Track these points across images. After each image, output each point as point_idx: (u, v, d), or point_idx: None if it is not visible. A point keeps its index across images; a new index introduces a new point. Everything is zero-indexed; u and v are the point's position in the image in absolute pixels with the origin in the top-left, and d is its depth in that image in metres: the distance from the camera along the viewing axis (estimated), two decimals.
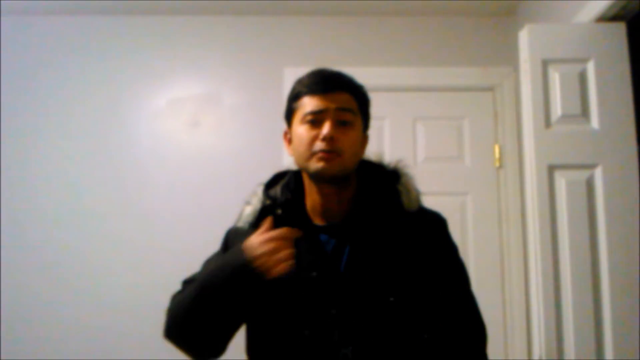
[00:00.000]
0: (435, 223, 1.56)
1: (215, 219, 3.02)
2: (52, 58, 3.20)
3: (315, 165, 1.42)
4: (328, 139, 1.41)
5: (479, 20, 3.21)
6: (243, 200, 1.62)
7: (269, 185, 1.59)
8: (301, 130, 1.46)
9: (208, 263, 1.63)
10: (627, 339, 2.10)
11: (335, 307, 1.39)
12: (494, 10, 3.16)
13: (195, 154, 3.12)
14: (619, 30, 2.26)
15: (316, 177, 1.46)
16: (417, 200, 1.54)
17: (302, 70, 3.19)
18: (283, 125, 3.27)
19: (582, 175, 2.21)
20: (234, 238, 1.57)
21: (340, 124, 1.44)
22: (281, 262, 1.32)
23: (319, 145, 1.42)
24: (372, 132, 3.22)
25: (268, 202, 1.53)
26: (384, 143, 3.12)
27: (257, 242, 1.34)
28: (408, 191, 1.53)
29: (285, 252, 1.33)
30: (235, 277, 1.35)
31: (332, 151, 1.41)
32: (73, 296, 3.00)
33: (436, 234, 1.54)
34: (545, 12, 2.76)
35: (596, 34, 2.27)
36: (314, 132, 1.43)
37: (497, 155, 3.12)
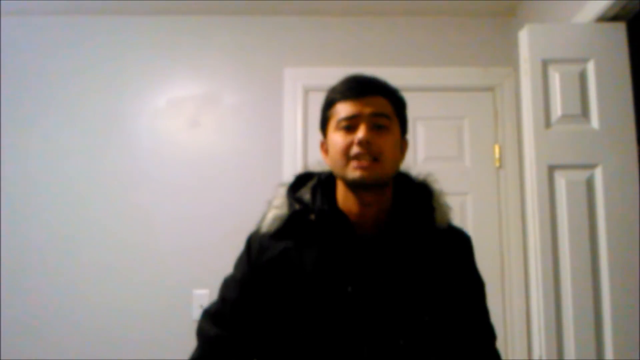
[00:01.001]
0: (463, 241, 1.56)
1: (215, 219, 3.05)
2: (52, 58, 3.20)
3: (353, 174, 1.38)
4: (364, 143, 1.37)
5: (479, 20, 3.21)
6: (266, 201, 1.56)
7: (293, 187, 1.54)
8: (336, 137, 1.42)
9: (226, 283, 1.59)
10: (627, 338, 2.10)
11: (368, 322, 1.36)
12: (494, 10, 3.16)
13: (195, 154, 3.12)
14: (619, 30, 2.26)
15: (354, 184, 1.41)
16: (448, 217, 1.53)
17: (302, 70, 3.20)
18: (282, 124, 3.27)
19: (582, 175, 2.22)
20: (258, 246, 1.50)
21: (375, 128, 1.40)
22: None
23: (355, 150, 1.38)
24: None
25: (297, 206, 1.47)
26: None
27: None
28: (441, 208, 1.51)
29: None
30: None
31: (369, 156, 1.37)
32: (72, 296, 3.00)
33: (463, 252, 1.54)
34: (545, 12, 2.76)
35: (596, 34, 2.27)
36: (349, 138, 1.39)
37: (497, 155, 3.12)
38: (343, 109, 1.43)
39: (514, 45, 2.77)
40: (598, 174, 2.20)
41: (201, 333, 1.55)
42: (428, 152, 3.12)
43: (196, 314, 2.92)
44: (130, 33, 3.22)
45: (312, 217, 1.44)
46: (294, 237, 1.45)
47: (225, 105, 3.17)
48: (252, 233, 1.56)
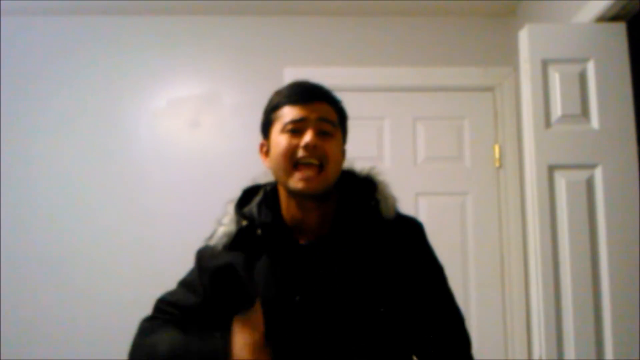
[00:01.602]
0: (413, 228, 1.53)
1: (215, 219, 3.04)
2: (52, 58, 3.20)
3: (295, 184, 1.38)
4: (311, 147, 1.37)
5: (479, 20, 3.22)
6: (215, 220, 1.56)
7: (240, 203, 1.53)
8: (280, 139, 1.42)
9: (185, 286, 1.58)
10: (627, 338, 2.11)
11: (321, 329, 1.34)
12: (494, 10, 3.16)
13: (195, 154, 3.13)
14: (619, 30, 2.26)
15: (297, 194, 1.41)
16: (394, 207, 1.50)
17: (302, 70, 3.21)
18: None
19: (582, 175, 2.22)
20: (209, 258, 1.49)
21: (321, 134, 1.40)
22: None
23: (300, 153, 1.37)
24: (372, 132, 3.23)
25: (244, 222, 1.47)
26: (383, 143, 3.12)
27: (247, 346, 1.29)
28: (385, 199, 1.49)
29: None
30: None
31: (314, 160, 1.37)
32: (73, 296, 3.00)
33: (414, 239, 1.52)
34: (545, 12, 2.77)
35: (596, 34, 2.27)
36: (294, 142, 1.39)
37: (497, 155, 3.12)
38: (290, 113, 1.42)
39: (514, 45, 2.77)
40: (598, 174, 2.21)
41: (155, 305, 1.59)
42: (428, 152, 3.13)
43: None
44: (130, 33, 3.22)
45: (259, 231, 1.44)
46: (243, 252, 1.44)
47: (226, 105, 3.18)
48: (202, 248, 1.56)
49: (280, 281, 1.38)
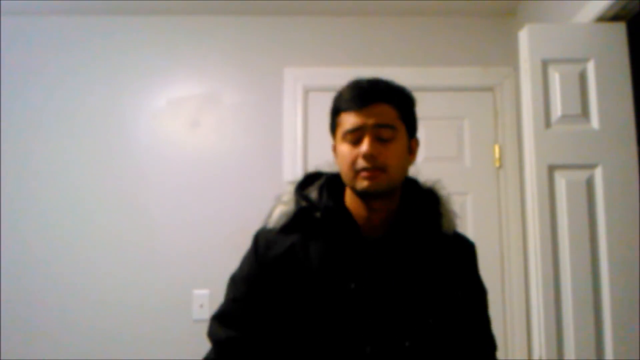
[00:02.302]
0: (468, 248, 1.57)
1: (215, 219, 3.05)
2: (51, 58, 3.20)
3: (361, 184, 1.38)
4: (369, 157, 1.36)
5: (479, 20, 3.22)
6: (275, 197, 1.57)
7: (301, 185, 1.54)
8: (343, 148, 1.42)
9: (234, 281, 1.57)
10: (627, 338, 2.10)
11: (370, 320, 1.37)
12: (494, 10, 3.16)
13: (195, 154, 3.12)
14: (619, 30, 2.26)
15: (363, 194, 1.41)
16: (455, 223, 1.53)
17: (302, 70, 3.21)
18: (282, 124, 3.28)
19: (582, 175, 2.22)
20: (265, 243, 1.50)
21: (379, 141, 1.39)
22: None
23: (360, 163, 1.38)
24: None
25: (304, 203, 1.48)
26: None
27: None
28: (448, 214, 1.51)
29: None
30: None
31: (375, 169, 1.37)
32: (72, 295, 3.00)
33: (468, 259, 1.56)
34: (545, 12, 2.77)
35: (596, 34, 2.27)
36: (355, 151, 1.39)
37: (497, 155, 3.12)
38: (347, 121, 1.41)
39: (514, 45, 2.77)
40: (598, 174, 2.20)
41: (212, 336, 1.53)
42: (428, 152, 3.12)
43: (196, 314, 2.92)
44: (130, 33, 3.22)
45: (318, 214, 1.45)
46: (300, 233, 1.46)
47: (226, 105, 3.17)
48: (259, 230, 1.55)
49: (337, 267, 1.40)
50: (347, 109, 1.42)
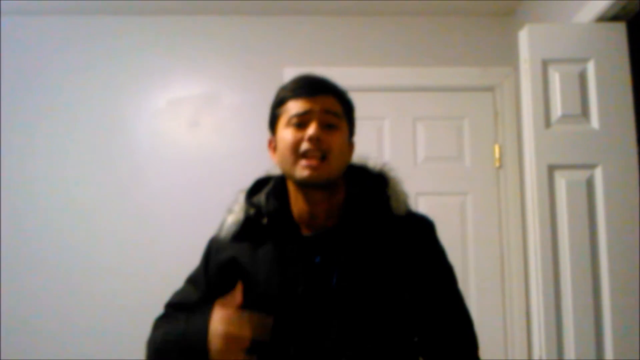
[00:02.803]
0: (424, 226, 1.54)
1: (214, 219, 3.03)
2: (51, 58, 3.21)
3: (301, 173, 1.38)
4: (314, 140, 1.37)
5: (479, 20, 3.22)
6: (225, 208, 1.57)
7: (251, 192, 1.55)
8: (286, 133, 1.42)
9: (190, 282, 1.62)
10: (627, 338, 2.11)
11: (325, 322, 1.35)
12: (494, 10, 3.17)
13: (194, 154, 3.13)
14: (619, 30, 2.26)
15: (302, 184, 1.42)
16: (405, 203, 1.51)
17: (301, 70, 3.20)
18: None
19: (582, 175, 2.22)
20: (216, 251, 1.53)
21: (326, 127, 1.41)
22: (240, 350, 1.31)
23: (304, 146, 1.38)
24: (372, 131, 3.23)
25: (252, 210, 1.49)
26: (383, 143, 3.13)
27: (221, 332, 1.31)
28: (397, 195, 1.50)
29: (239, 356, 1.31)
30: (190, 354, 1.36)
31: (318, 152, 1.38)
32: (72, 295, 3.01)
33: (424, 237, 1.52)
34: (545, 12, 2.77)
35: (596, 34, 2.28)
36: (299, 134, 1.40)
37: (497, 155, 3.12)
38: (294, 106, 1.43)
39: (513, 45, 2.77)
40: (598, 174, 2.21)
41: (152, 328, 1.61)
42: (428, 152, 3.13)
43: None
44: (129, 33, 3.23)
45: (264, 220, 1.46)
46: (250, 240, 1.46)
47: (225, 105, 3.18)
48: (212, 238, 1.59)
49: (283, 272, 1.39)
50: (295, 97, 1.44)
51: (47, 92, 3.17)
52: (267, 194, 1.50)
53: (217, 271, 1.49)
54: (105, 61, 3.20)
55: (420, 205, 3.04)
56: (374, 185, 1.49)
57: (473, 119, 3.17)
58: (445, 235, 3.10)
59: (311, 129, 1.38)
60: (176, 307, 1.58)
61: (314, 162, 1.37)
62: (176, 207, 3.07)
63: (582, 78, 2.27)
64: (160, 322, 1.59)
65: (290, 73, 3.10)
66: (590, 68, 2.26)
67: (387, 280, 1.40)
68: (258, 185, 1.57)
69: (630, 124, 2.23)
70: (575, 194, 2.21)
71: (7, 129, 3.13)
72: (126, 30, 3.23)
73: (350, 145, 1.51)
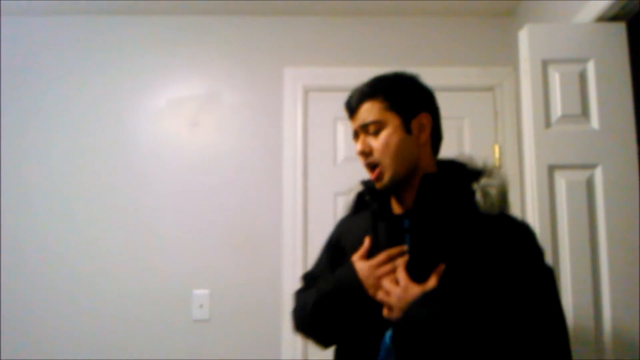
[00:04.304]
0: (517, 230, 1.49)
1: (215, 218, 3.05)
2: (51, 58, 3.21)
3: (376, 184, 1.57)
4: (362, 154, 1.55)
5: (479, 20, 3.23)
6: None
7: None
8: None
9: (321, 253, 1.78)
10: (626, 338, 2.10)
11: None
12: (494, 10, 3.17)
13: (195, 154, 3.13)
14: (619, 30, 2.26)
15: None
16: (498, 202, 1.49)
17: (301, 70, 3.20)
18: (282, 124, 3.28)
19: (582, 175, 2.22)
20: (339, 226, 1.76)
21: (371, 134, 1.53)
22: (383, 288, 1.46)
23: (362, 161, 1.57)
24: None
25: (361, 190, 1.67)
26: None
27: (367, 268, 1.49)
28: (485, 191, 1.48)
29: (388, 280, 1.46)
30: (349, 296, 1.50)
31: (369, 165, 1.55)
32: (72, 296, 3.01)
33: (514, 239, 1.45)
34: (545, 12, 2.77)
35: (596, 34, 2.27)
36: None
37: (497, 155, 3.12)
38: (351, 125, 1.61)
39: (513, 45, 2.78)
40: (598, 174, 2.21)
41: (294, 298, 1.74)
42: None
43: (196, 314, 2.93)
44: (129, 33, 3.23)
45: (367, 198, 1.63)
46: (360, 213, 1.68)
47: (225, 105, 3.18)
48: (342, 217, 1.78)
49: (374, 244, 1.55)
50: (349, 115, 1.61)
51: (46, 92, 3.18)
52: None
53: (334, 243, 1.73)
54: (106, 61, 3.20)
55: None
56: (457, 178, 1.54)
57: (473, 118, 3.17)
58: None
59: (358, 147, 1.56)
60: (310, 277, 1.74)
61: (372, 176, 1.55)
62: (176, 206, 3.08)
63: (582, 78, 2.26)
64: (301, 292, 1.73)
65: (290, 73, 3.12)
66: (590, 68, 2.26)
67: (450, 264, 1.42)
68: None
69: (631, 124, 2.23)
70: (575, 194, 2.20)
71: (6, 130, 3.13)
72: (126, 30, 3.23)
73: (415, 123, 1.58)
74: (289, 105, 3.13)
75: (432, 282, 1.40)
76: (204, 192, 3.07)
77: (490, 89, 3.18)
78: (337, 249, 1.68)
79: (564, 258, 2.17)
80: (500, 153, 3.11)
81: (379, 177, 1.52)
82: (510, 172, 3.08)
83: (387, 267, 1.47)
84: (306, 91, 3.11)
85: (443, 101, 3.18)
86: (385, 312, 1.43)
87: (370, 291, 1.47)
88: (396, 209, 1.59)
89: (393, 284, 1.43)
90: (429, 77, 3.14)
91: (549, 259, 2.16)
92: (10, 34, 3.20)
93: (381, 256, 1.49)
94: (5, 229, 3.06)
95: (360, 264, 1.50)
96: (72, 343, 2.96)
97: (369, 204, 1.63)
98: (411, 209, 1.53)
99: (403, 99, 1.57)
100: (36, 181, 3.10)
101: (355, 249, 1.56)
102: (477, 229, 1.45)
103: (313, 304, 1.55)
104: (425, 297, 1.36)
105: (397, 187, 1.55)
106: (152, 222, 3.08)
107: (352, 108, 1.58)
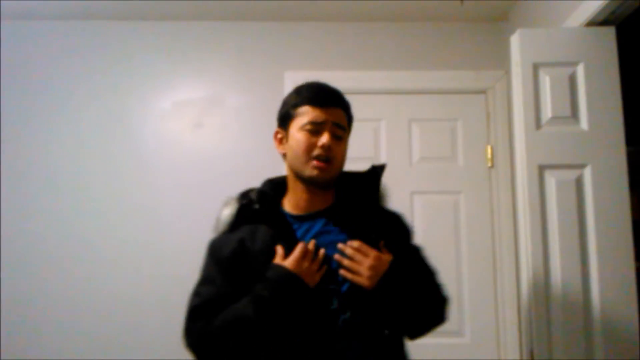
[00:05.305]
0: (402, 218, 1.81)
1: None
2: (56, 62, 3.22)
3: (311, 172, 1.64)
4: (326, 148, 1.62)
5: (472, 25, 3.26)
6: (217, 211, 1.78)
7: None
8: (300, 136, 1.66)
9: (205, 283, 1.72)
10: (616, 336, 2.13)
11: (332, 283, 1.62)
12: (487, 15, 3.20)
13: (198, 155, 3.15)
14: (609, 34, 2.29)
15: (309, 181, 1.67)
16: (384, 198, 1.80)
17: (301, 74, 3.26)
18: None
19: (572, 174, 2.25)
20: (219, 248, 1.72)
21: (334, 138, 1.65)
22: (316, 272, 1.59)
23: (317, 151, 1.63)
24: (369, 132, 3.27)
25: (244, 202, 1.71)
26: (380, 144, 3.16)
27: (294, 260, 1.57)
28: (383, 190, 1.79)
29: (316, 265, 1.59)
30: (295, 291, 1.55)
31: (327, 159, 1.63)
32: (73, 294, 3.02)
33: (403, 224, 1.80)
34: (537, 16, 2.80)
35: (586, 38, 2.30)
36: (313, 140, 1.64)
37: (489, 155, 3.16)
38: (311, 114, 1.66)
39: (505, 49, 2.80)
40: (587, 174, 2.23)
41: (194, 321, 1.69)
42: (422, 152, 3.16)
43: None
44: (134, 38, 3.25)
45: (256, 206, 1.69)
46: (246, 226, 1.69)
47: (228, 107, 3.21)
48: (211, 241, 1.77)
49: (276, 245, 1.63)
50: (312, 104, 1.67)
51: (53, 96, 3.19)
52: (259, 190, 1.76)
53: (229, 260, 1.66)
54: (111, 65, 3.22)
55: (415, 203, 3.09)
56: (364, 179, 1.77)
57: (466, 120, 3.21)
58: (439, 233, 3.18)
59: (324, 138, 1.63)
60: (211, 302, 1.65)
61: (322, 165, 1.63)
62: (181, 206, 3.10)
63: (572, 81, 2.29)
64: (207, 318, 1.64)
65: (290, 77, 3.17)
66: (580, 71, 2.28)
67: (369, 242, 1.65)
68: (242, 195, 1.78)
69: (619, 125, 2.26)
70: (565, 193, 2.23)
71: (11, 133, 3.14)
72: (131, 34, 3.25)
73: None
74: None
75: (385, 253, 1.64)
76: (208, 192, 3.04)
77: (482, 91, 3.23)
78: (234, 263, 1.65)
79: (554, 256, 2.20)
80: (493, 153, 3.16)
81: (327, 170, 1.64)
82: (502, 172, 3.13)
83: (309, 256, 1.60)
84: None
85: (437, 104, 3.27)
86: (358, 280, 1.59)
87: (307, 280, 1.57)
88: (291, 209, 1.73)
89: (361, 256, 1.60)
90: (424, 80, 3.23)
91: (539, 256, 2.21)
92: (15, 38, 3.20)
93: (297, 250, 1.58)
94: (5, 229, 3.07)
95: (288, 263, 1.57)
96: (72, 343, 2.97)
97: (257, 213, 1.69)
98: (328, 207, 1.72)
99: (352, 122, 1.77)
100: (41, 182, 3.11)
101: (265, 255, 1.62)
102: (382, 218, 1.74)
103: (256, 311, 1.54)
104: (395, 264, 1.62)
105: (315, 186, 1.68)
106: (155, 222, 3.09)
107: (329, 101, 1.68)
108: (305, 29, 3.26)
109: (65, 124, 3.17)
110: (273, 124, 3.12)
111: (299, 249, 1.58)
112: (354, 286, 1.59)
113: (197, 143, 3.18)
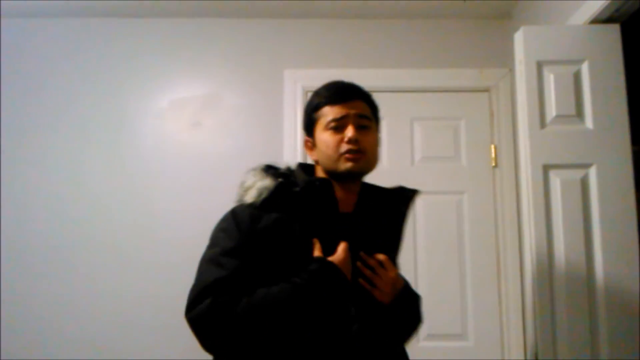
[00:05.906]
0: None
1: (216, 217, 3.06)
2: (54, 60, 3.22)
3: (344, 165, 1.61)
4: (353, 141, 1.60)
5: (476, 22, 3.25)
6: (239, 184, 1.71)
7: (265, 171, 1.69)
8: (326, 136, 1.63)
9: (226, 255, 1.56)
10: (622, 336, 2.11)
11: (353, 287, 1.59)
12: (490, 13, 3.19)
13: (197, 153, 3.15)
14: (613, 32, 2.28)
15: (345, 175, 1.63)
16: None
17: (301, 72, 3.24)
18: (282, 125, 3.30)
19: (577, 174, 2.23)
20: (248, 217, 1.58)
21: (360, 128, 1.63)
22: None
23: (344, 147, 1.60)
24: None
25: (280, 180, 1.61)
26: (382, 143, 3.14)
27: (344, 258, 1.55)
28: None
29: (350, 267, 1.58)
30: (336, 287, 1.52)
31: (357, 151, 1.60)
32: (73, 294, 3.02)
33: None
34: (541, 14, 2.79)
35: (590, 36, 2.28)
36: (338, 137, 1.61)
37: (493, 155, 3.15)
38: (331, 112, 1.64)
39: (509, 47, 2.79)
40: (592, 173, 2.22)
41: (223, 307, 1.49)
42: (425, 152, 3.15)
43: None
44: (133, 35, 3.25)
45: (297, 189, 1.60)
46: (281, 209, 1.58)
47: (227, 106, 3.20)
48: (236, 207, 1.66)
49: (323, 243, 1.57)
50: (330, 103, 1.65)
51: (52, 94, 3.19)
52: (289, 170, 1.70)
53: (260, 236, 1.54)
54: (109, 63, 3.22)
55: (418, 203, 3.06)
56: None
57: (469, 119, 3.20)
58: (442, 233, 3.16)
59: (349, 132, 1.61)
60: (233, 280, 1.50)
61: (355, 155, 1.60)
62: (179, 205, 3.09)
63: (577, 79, 2.27)
64: (227, 295, 1.47)
65: (290, 75, 3.15)
66: (585, 69, 2.27)
67: (395, 247, 1.73)
68: (267, 169, 1.70)
69: (624, 124, 2.24)
70: (569, 193, 2.21)
71: (10, 132, 3.15)
72: (129, 32, 3.25)
73: (378, 141, 1.74)
74: (289, 106, 3.16)
75: (394, 270, 1.66)
76: (206, 191, 3.06)
77: (486, 90, 3.21)
78: (264, 241, 1.54)
79: (559, 256, 2.18)
80: (496, 153, 3.14)
81: (360, 161, 1.62)
82: (506, 172, 3.11)
83: (348, 259, 1.57)
84: (306, 92, 3.12)
85: (440, 102, 3.24)
86: (377, 294, 1.60)
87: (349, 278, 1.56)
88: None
89: (384, 271, 1.62)
90: (427, 78, 3.21)
91: (544, 258, 2.18)
92: (13, 37, 3.21)
93: (343, 248, 1.56)
94: (6, 229, 3.07)
95: (337, 260, 1.53)
96: (72, 343, 2.97)
97: (297, 198, 1.58)
98: (356, 210, 1.69)
99: (378, 114, 1.76)
100: (39, 181, 3.11)
101: (301, 244, 1.55)
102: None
103: (298, 301, 1.45)
104: (407, 285, 1.69)
105: (354, 178, 1.67)
106: (154, 221, 3.09)
107: (347, 96, 1.66)
108: (306, 26, 3.26)
109: (64, 122, 3.18)
110: (273, 122, 3.15)
111: (344, 247, 1.57)
112: (369, 297, 1.60)
113: (195, 142, 3.18)
